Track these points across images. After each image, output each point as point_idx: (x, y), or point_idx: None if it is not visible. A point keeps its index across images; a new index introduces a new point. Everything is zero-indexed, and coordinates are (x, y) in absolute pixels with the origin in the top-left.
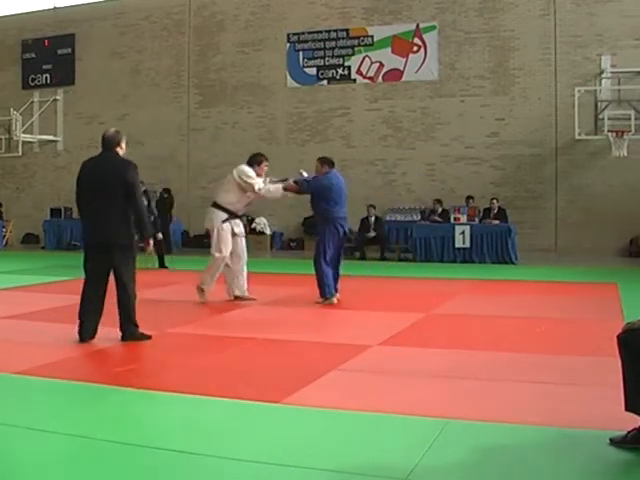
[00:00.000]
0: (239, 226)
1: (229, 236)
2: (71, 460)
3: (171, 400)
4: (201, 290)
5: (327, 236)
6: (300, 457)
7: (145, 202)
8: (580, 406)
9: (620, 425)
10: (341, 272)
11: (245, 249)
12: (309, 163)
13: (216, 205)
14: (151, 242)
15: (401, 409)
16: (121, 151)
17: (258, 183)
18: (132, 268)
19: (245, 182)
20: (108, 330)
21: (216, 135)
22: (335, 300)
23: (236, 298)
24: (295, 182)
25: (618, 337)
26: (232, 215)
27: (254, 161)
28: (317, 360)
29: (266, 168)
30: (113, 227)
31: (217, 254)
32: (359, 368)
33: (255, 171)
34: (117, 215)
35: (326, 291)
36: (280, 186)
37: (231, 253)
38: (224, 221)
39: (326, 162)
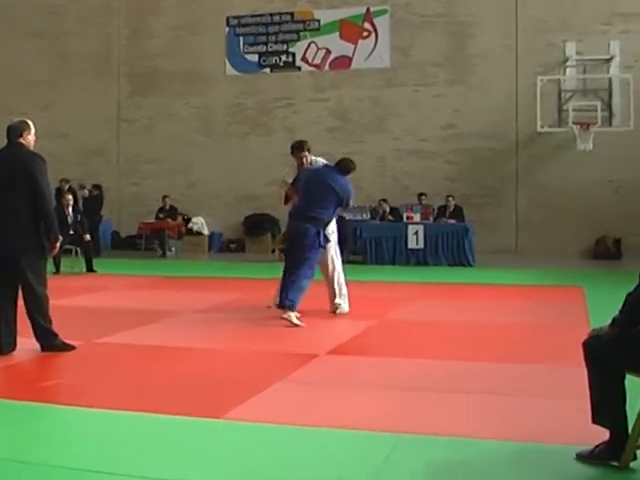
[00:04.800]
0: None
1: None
2: None
3: (101, 417)
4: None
5: None
6: (241, 477)
7: (71, 200)
8: (544, 419)
9: (587, 439)
10: (303, 284)
11: (329, 259)
12: (249, 157)
13: None
14: (57, 245)
15: (351, 423)
16: (27, 142)
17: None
18: (41, 274)
19: None
20: (28, 341)
21: (149, 127)
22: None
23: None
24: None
25: (584, 344)
26: None
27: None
28: (260, 371)
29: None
30: (18, 231)
31: None
32: (306, 379)
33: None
34: (22, 216)
35: None
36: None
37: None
38: None
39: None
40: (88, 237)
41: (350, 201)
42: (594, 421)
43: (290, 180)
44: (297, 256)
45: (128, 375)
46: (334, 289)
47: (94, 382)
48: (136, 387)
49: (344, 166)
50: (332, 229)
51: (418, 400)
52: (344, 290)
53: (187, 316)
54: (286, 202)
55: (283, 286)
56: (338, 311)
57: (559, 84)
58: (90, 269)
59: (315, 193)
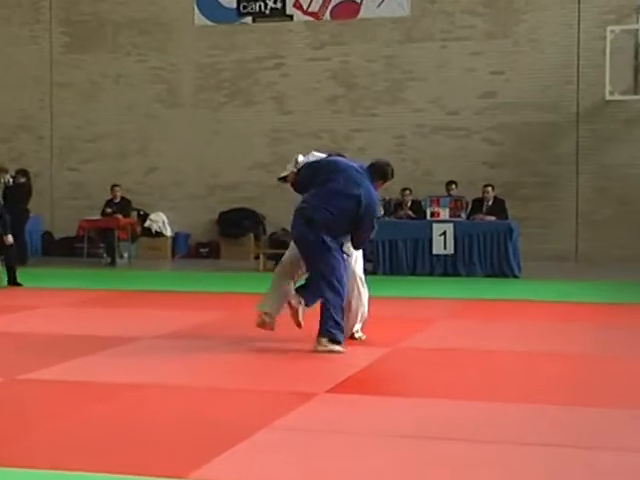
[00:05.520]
0: None
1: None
2: None
3: (29, 479)
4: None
5: None
6: None
7: None
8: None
9: None
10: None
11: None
12: (226, 135)
13: None
14: None
15: None
16: None
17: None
18: None
19: None
20: None
21: (92, 93)
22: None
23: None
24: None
25: None
26: None
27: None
28: (239, 416)
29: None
30: None
31: None
32: (299, 425)
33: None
34: None
35: None
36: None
37: None
38: None
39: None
40: (10, 239)
41: (370, 229)
42: None
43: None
44: (310, 262)
45: (63, 422)
46: (357, 308)
47: (17, 432)
48: (73, 438)
49: (378, 170)
50: None
51: (446, 453)
52: (366, 310)
53: (143, 343)
54: (289, 181)
55: (321, 312)
56: (357, 335)
57: (636, 36)
58: (13, 281)
59: (331, 192)
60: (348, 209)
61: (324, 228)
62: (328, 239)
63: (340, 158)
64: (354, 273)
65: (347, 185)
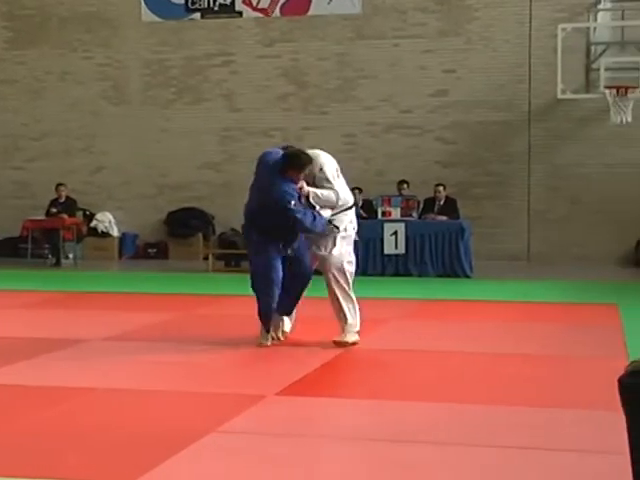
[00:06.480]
0: None
1: None
2: None
3: None
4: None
5: None
6: None
7: None
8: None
9: None
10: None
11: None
12: (174, 133)
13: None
14: None
15: None
16: None
17: None
18: None
19: None
20: None
21: (37, 90)
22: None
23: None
24: None
25: (619, 381)
26: None
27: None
28: (187, 419)
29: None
30: None
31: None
32: (246, 429)
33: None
34: None
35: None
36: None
37: None
38: None
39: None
40: None
41: (299, 222)
42: None
43: None
44: (252, 261)
45: (7, 427)
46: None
47: None
48: (18, 444)
49: (286, 161)
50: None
51: (404, 457)
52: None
53: (91, 346)
54: None
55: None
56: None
57: (587, 35)
58: None
59: (255, 193)
60: (269, 209)
61: (259, 229)
62: (267, 240)
63: (264, 153)
64: (343, 267)
65: (261, 186)
